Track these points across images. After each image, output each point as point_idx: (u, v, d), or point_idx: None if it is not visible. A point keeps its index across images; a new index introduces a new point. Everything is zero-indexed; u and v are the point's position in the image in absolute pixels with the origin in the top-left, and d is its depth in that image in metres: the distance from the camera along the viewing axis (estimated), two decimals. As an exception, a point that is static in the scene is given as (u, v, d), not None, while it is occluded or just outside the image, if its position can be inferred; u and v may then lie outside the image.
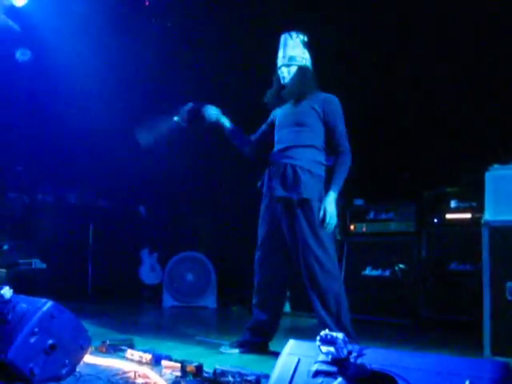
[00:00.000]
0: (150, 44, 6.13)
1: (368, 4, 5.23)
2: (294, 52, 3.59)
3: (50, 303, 2.63)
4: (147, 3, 6.12)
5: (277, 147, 3.65)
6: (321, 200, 3.45)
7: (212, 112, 3.76)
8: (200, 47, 6.12)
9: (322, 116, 3.53)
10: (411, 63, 5.33)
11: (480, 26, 4.84)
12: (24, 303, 2.66)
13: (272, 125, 3.79)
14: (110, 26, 5.79)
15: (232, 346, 3.65)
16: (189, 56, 6.21)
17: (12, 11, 5.14)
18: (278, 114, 3.74)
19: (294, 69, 3.59)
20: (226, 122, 3.77)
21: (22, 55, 5.96)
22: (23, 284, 5.55)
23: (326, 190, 3.49)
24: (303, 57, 3.61)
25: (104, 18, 5.70)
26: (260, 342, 3.65)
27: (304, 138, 3.54)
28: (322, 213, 3.40)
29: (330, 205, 3.42)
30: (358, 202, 5.55)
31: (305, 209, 3.42)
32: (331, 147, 3.58)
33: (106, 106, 6.12)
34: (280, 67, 3.63)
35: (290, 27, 3.67)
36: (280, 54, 3.65)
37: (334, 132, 3.53)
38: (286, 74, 3.60)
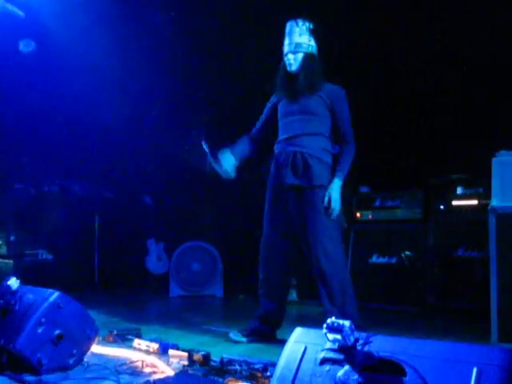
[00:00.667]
0: (152, 34, 6.10)
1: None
2: (300, 39, 3.57)
3: (56, 293, 2.64)
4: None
5: (283, 136, 3.64)
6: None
7: (224, 168, 3.71)
8: (203, 36, 6.08)
9: (330, 105, 3.55)
10: (418, 50, 5.28)
11: (486, 17, 4.79)
12: (31, 294, 2.67)
13: (273, 109, 3.77)
14: (114, 17, 5.76)
15: (242, 334, 3.66)
16: (192, 46, 6.17)
17: None
18: (280, 101, 3.71)
19: (300, 56, 3.57)
20: (232, 171, 3.74)
21: (25, 46, 5.94)
22: (30, 275, 5.58)
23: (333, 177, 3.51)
24: (309, 44, 3.59)
25: (107, 8, 5.67)
26: (268, 331, 3.66)
27: (312, 126, 3.54)
28: (326, 199, 3.42)
29: (334, 192, 3.46)
30: (364, 189, 5.53)
31: (315, 196, 3.45)
32: (337, 135, 3.59)
33: (111, 98, 6.10)
34: (286, 54, 3.61)
35: (295, 15, 3.64)
36: (286, 41, 3.63)
37: (340, 121, 3.58)
38: (292, 61, 3.58)
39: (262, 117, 3.87)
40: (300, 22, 3.59)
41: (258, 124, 3.89)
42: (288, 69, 3.61)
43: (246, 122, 4.02)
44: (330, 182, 3.49)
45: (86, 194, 6.93)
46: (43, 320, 2.53)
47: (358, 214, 5.44)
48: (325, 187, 3.46)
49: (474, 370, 1.52)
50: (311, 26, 3.61)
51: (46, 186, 6.62)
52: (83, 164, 6.79)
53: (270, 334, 3.66)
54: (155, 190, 7.43)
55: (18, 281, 2.69)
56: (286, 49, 3.62)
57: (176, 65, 6.25)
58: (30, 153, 6.63)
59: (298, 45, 3.57)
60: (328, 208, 3.42)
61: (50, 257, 6.07)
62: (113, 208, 7.03)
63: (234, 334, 3.65)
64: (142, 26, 6.04)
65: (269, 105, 3.83)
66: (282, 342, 2.03)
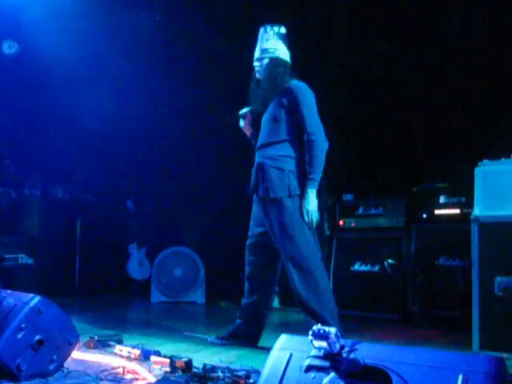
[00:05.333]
0: (138, 37, 6.08)
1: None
2: (266, 45, 3.58)
3: (37, 298, 2.60)
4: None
5: (256, 146, 3.65)
6: (291, 195, 3.38)
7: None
8: (189, 40, 6.08)
9: (288, 107, 3.47)
10: (403, 60, 5.32)
11: (472, 29, 4.86)
12: (11, 298, 2.63)
13: None
14: (99, 20, 5.74)
15: (219, 338, 3.65)
16: (178, 49, 6.17)
17: None
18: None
19: (265, 61, 3.58)
20: None
21: (8, 48, 5.88)
22: (10, 279, 5.51)
23: (300, 182, 3.43)
24: (276, 48, 3.56)
25: (92, 12, 5.64)
26: (248, 337, 3.63)
27: (274, 134, 3.51)
28: (304, 213, 3.37)
29: (308, 203, 3.37)
30: (348, 197, 5.53)
31: (276, 208, 3.39)
32: (302, 132, 3.48)
33: (94, 101, 6.07)
34: (254, 61, 3.64)
35: (274, 19, 3.65)
36: (256, 48, 3.65)
37: (300, 119, 3.45)
38: (258, 67, 3.61)
39: None
40: (268, 28, 3.60)
41: None
42: (257, 76, 3.63)
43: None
44: (292, 189, 3.38)
45: (67, 197, 6.87)
46: (23, 325, 2.49)
47: (341, 222, 5.44)
48: (284, 198, 3.36)
49: (460, 377, 1.52)
50: (281, 31, 3.59)
51: (28, 189, 6.55)
52: (65, 168, 6.74)
53: (249, 339, 3.62)
54: (137, 195, 7.39)
55: (-2, 285, 2.65)
56: (254, 56, 3.65)
57: (164, 66, 6.24)
58: (12, 156, 6.57)
59: (263, 51, 3.58)
60: (303, 219, 3.39)
61: (30, 261, 6.00)
62: (94, 212, 6.98)
63: (212, 339, 3.65)
64: (127, 29, 6.02)
65: None
66: (266, 349, 2.02)
